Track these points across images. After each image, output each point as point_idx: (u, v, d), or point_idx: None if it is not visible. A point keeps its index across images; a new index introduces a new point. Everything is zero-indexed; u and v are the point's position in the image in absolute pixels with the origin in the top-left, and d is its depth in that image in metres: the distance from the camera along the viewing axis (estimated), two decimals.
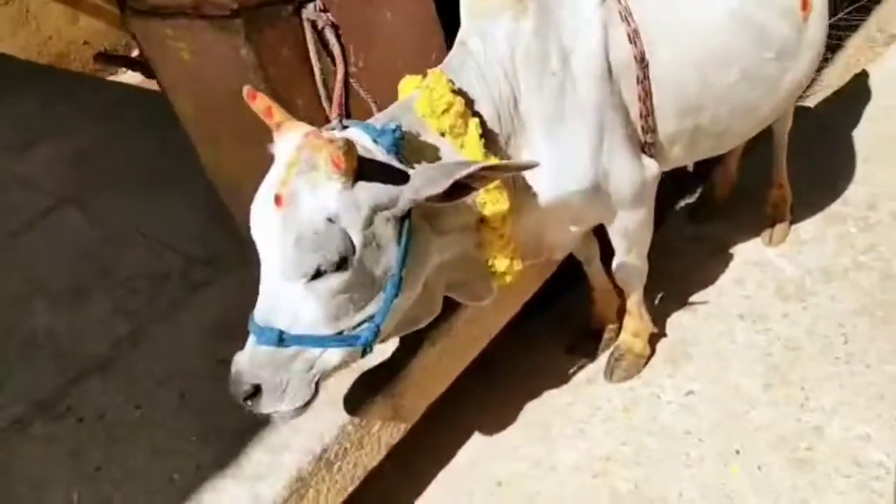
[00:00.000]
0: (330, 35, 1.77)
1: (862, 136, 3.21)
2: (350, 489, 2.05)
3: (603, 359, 2.61)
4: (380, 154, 1.57)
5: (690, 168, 2.89)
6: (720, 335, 2.60)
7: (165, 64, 2.04)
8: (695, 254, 2.93)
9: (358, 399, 2.04)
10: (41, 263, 2.89)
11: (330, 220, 1.46)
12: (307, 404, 1.61)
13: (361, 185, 1.48)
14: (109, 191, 3.18)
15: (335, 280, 1.49)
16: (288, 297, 1.50)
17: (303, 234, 1.45)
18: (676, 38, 1.92)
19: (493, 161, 1.58)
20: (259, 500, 1.88)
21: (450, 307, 2.10)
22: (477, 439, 2.48)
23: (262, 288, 1.54)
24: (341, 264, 1.48)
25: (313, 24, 1.77)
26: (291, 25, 1.83)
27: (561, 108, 1.81)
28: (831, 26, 2.52)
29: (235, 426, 2.06)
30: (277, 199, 1.46)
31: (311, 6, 1.76)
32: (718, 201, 3.04)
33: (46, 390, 2.33)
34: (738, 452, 2.23)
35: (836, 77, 3.71)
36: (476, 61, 1.77)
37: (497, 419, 2.50)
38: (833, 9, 2.86)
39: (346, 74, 1.78)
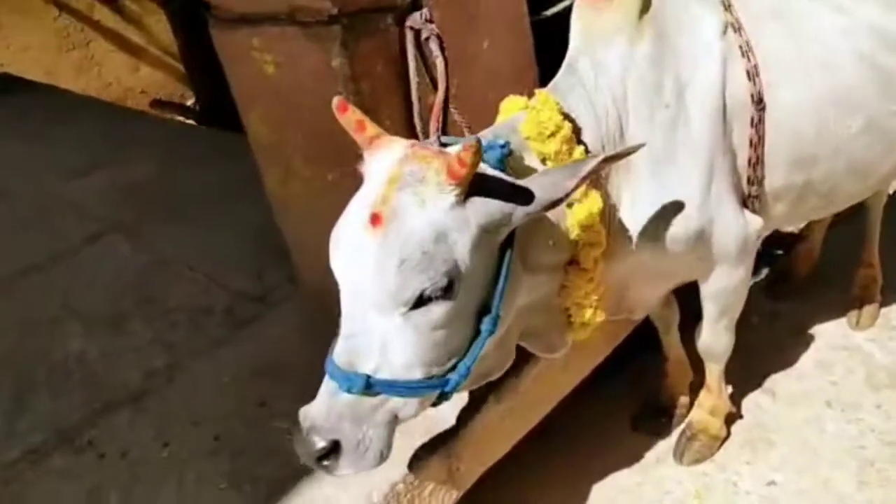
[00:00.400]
0: (434, 47, 1.65)
1: None
2: None
3: (672, 437, 2.37)
4: (487, 170, 1.41)
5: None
6: (805, 422, 2.36)
7: (244, 78, 1.94)
8: (772, 332, 2.71)
9: (414, 456, 1.83)
10: (80, 289, 2.76)
11: (439, 238, 1.29)
12: (382, 462, 1.40)
13: (474, 200, 1.32)
14: (159, 222, 3.08)
15: (438, 310, 1.31)
16: (379, 334, 1.31)
17: (408, 254, 1.27)
18: (798, 79, 1.78)
19: (611, 153, 1.41)
20: None
21: (517, 364, 1.91)
22: None
23: (344, 327, 1.35)
24: (447, 290, 1.31)
25: (416, 35, 1.66)
26: (389, 37, 1.73)
27: (672, 145, 1.67)
28: None
29: (272, 475, 1.87)
30: (375, 219, 1.29)
31: (416, 15, 1.65)
32: (798, 277, 2.83)
33: (70, 420, 2.17)
34: None
35: None
36: (585, 86, 1.64)
37: (557, 497, 2.26)
38: None
39: (448, 88, 1.64)
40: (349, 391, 1.32)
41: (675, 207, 1.70)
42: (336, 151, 1.86)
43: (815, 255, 2.83)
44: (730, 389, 2.39)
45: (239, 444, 1.99)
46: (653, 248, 1.73)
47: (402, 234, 1.28)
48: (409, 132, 1.78)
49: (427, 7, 1.66)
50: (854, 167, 1.91)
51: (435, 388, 1.38)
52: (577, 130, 1.60)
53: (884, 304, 2.68)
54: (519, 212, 1.35)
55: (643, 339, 2.40)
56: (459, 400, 1.94)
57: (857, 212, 2.59)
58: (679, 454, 2.30)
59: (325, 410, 1.34)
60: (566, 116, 1.57)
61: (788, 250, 2.89)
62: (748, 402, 2.45)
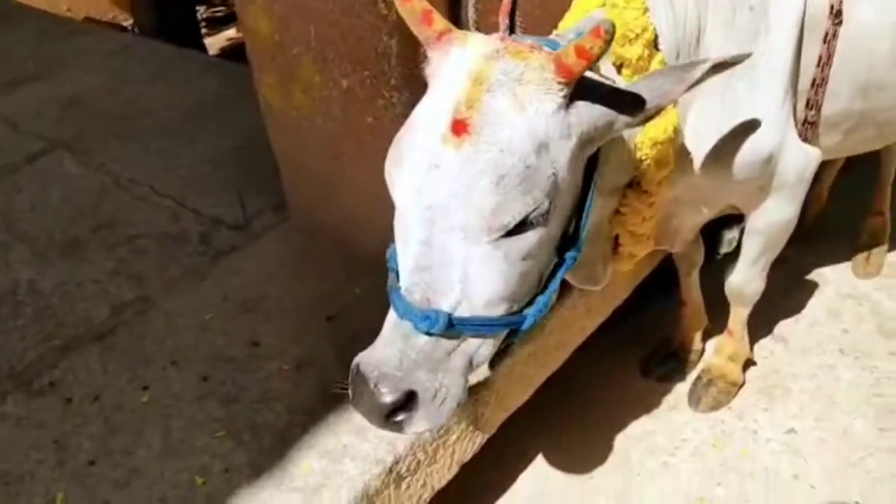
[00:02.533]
0: None
1: None
2: None
3: (685, 384, 2.26)
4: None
5: None
6: (820, 369, 2.27)
7: None
8: (780, 278, 2.60)
9: None
10: (24, 212, 2.41)
11: (541, 148, 1.07)
12: (459, 408, 1.19)
13: (578, 104, 1.11)
14: (110, 139, 2.73)
15: (533, 236, 1.11)
16: (461, 264, 1.10)
17: (509, 168, 1.05)
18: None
19: (721, 59, 1.18)
20: None
21: None
22: (544, 469, 2.08)
23: (415, 257, 1.11)
24: (548, 213, 1.10)
25: None
26: None
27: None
28: None
29: (274, 422, 1.65)
30: (460, 126, 1.06)
31: None
32: (806, 222, 2.73)
33: (25, 360, 1.87)
34: None
35: None
36: None
37: (568, 445, 2.11)
38: None
39: None
40: (429, 332, 1.10)
41: (746, 127, 1.52)
42: (355, 52, 1.61)
43: (823, 199, 2.73)
44: None
45: (231, 387, 1.74)
46: (715, 172, 1.56)
47: (500, 143, 1.05)
48: (458, 25, 1.53)
49: None
50: None
51: (513, 325, 1.18)
52: (655, 33, 1.40)
53: (890, 251, 2.62)
54: (621, 120, 1.14)
55: (651, 285, 2.27)
56: None
57: (867, 160, 2.51)
58: (695, 401, 2.18)
59: (399, 356, 1.12)
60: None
61: None
62: (761, 350, 2.35)
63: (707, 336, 2.32)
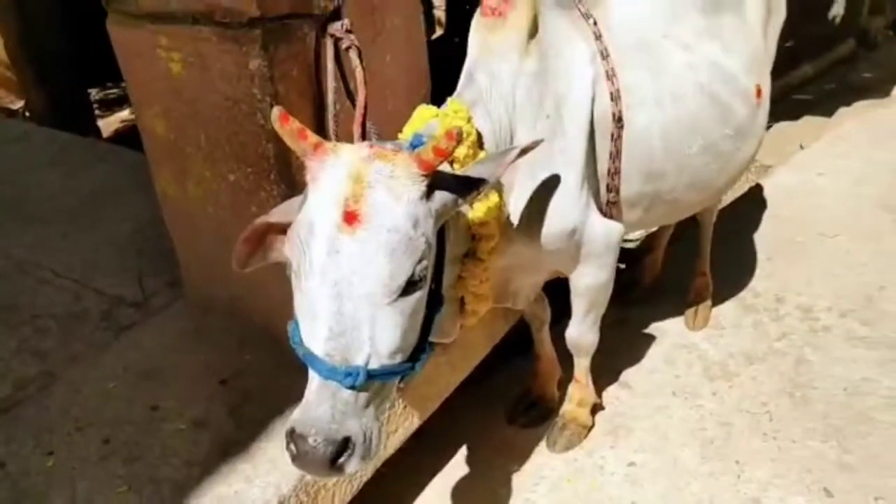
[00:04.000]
0: (354, 56, 1.74)
1: (764, 238, 3.51)
2: None
3: (544, 429, 2.59)
4: None
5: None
6: (657, 410, 2.65)
7: (144, 77, 1.93)
8: (624, 334, 3.02)
9: None
10: None
11: (416, 225, 1.38)
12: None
13: (435, 192, 1.44)
14: (11, 224, 2.89)
15: (419, 293, 1.41)
16: (369, 325, 1.36)
17: (396, 243, 1.35)
18: (651, 105, 2.05)
19: (525, 145, 1.56)
20: None
21: None
22: None
23: (328, 327, 1.35)
24: (424, 277, 1.41)
25: (336, 43, 1.74)
26: (307, 43, 1.80)
27: (550, 151, 1.87)
28: None
29: (173, 476, 1.85)
30: (350, 218, 1.35)
31: (338, 24, 1.73)
32: (644, 286, 3.18)
33: None
34: None
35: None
36: (482, 96, 1.81)
37: (442, 489, 2.38)
38: None
39: (367, 96, 1.74)
40: (353, 386, 1.34)
41: (552, 208, 1.90)
42: (239, 152, 1.90)
43: (657, 266, 3.19)
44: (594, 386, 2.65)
45: (132, 447, 1.94)
46: (534, 243, 1.93)
47: (387, 226, 1.36)
48: (322, 135, 1.86)
49: (347, 18, 1.76)
50: (694, 182, 2.22)
51: (410, 369, 1.46)
52: (479, 135, 1.77)
53: (714, 306, 3.08)
54: (461, 200, 1.49)
55: (514, 344, 2.62)
56: None
57: (692, 229, 3.00)
58: (552, 443, 2.51)
59: (330, 412, 1.34)
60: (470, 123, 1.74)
61: (635, 263, 3.24)
62: (608, 396, 2.71)
63: (562, 385, 2.67)
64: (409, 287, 1.39)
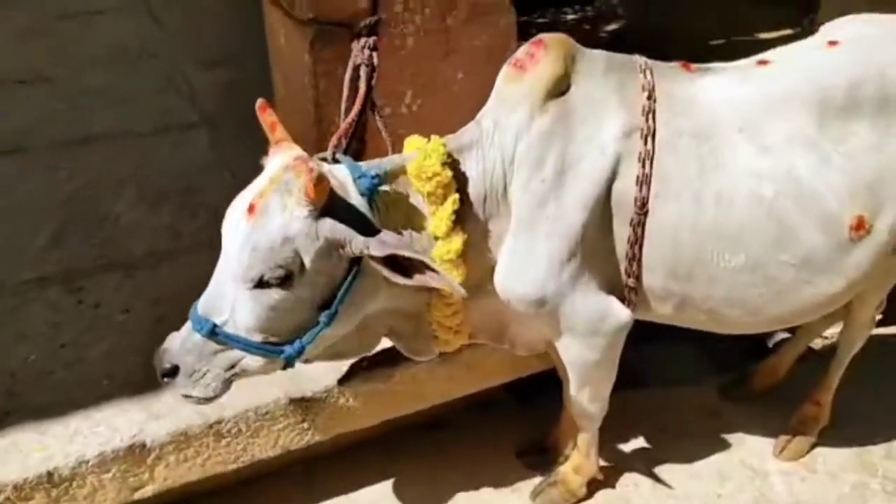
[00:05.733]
0: (362, 73, 1.91)
1: None
2: (231, 466, 2.19)
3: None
4: (353, 194, 1.70)
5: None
6: None
7: (275, 37, 2.32)
8: (703, 427, 2.75)
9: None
10: None
11: (287, 240, 1.59)
12: (215, 398, 1.75)
13: (326, 219, 1.62)
14: None
15: (276, 295, 1.63)
16: (231, 297, 1.65)
17: (260, 245, 1.60)
18: (686, 200, 1.85)
19: (435, 265, 1.64)
20: (145, 433, 2.08)
21: (397, 356, 2.18)
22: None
23: (212, 281, 1.69)
24: (285, 282, 1.62)
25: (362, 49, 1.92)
26: (349, 48, 2.00)
27: (536, 216, 1.83)
28: None
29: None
30: (251, 208, 1.61)
31: (363, 40, 1.91)
32: (753, 389, 2.81)
33: None
34: None
35: None
36: (482, 140, 1.85)
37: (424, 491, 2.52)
38: None
39: (363, 113, 1.90)
40: (198, 332, 1.67)
41: (522, 271, 1.87)
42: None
43: (777, 375, 2.78)
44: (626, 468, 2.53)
45: None
46: (504, 300, 1.92)
47: (261, 227, 1.60)
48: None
49: (375, 36, 1.91)
50: (734, 299, 1.95)
51: (272, 354, 1.70)
52: (462, 178, 1.82)
53: (822, 446, 2.62)
54: (356, 243, 1.62)
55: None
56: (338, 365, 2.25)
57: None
58: (536, 493, 2.46)
59: (179, 342, 1.70)
60: (452, 165, 1.79)
61: (758, 358, 2.86)
62: (629, 478, 2.54)
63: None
64: (264, 285, 1.59)
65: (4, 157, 3.27)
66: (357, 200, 1.70)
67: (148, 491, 2.11)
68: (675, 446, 2.65)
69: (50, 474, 1.98)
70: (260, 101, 1.74)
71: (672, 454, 2.63)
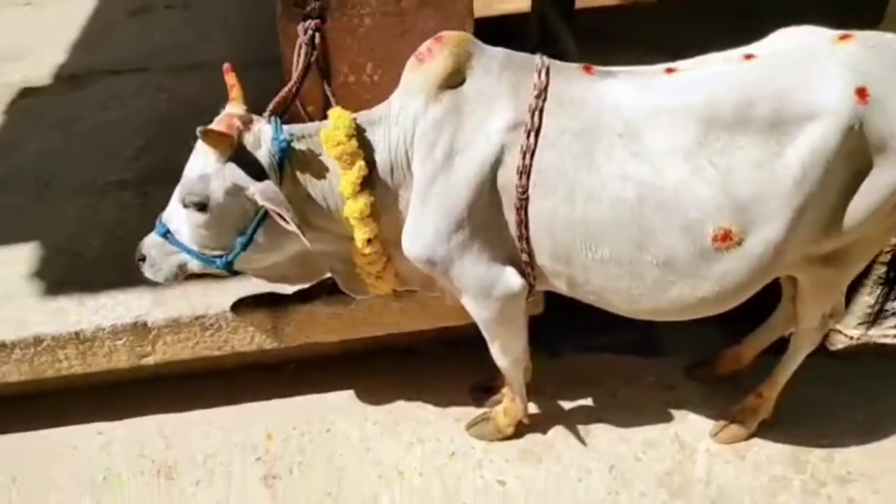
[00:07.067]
0: (302, 52, 2.24)
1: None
2: (216, 353, 2.74)
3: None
4: (265, 149, 2.07)
5: None
6: (579, 469, 2.67)
7: None
8: (654, 397, 2.89)
9: (246, 304, 2.68)
10: None
11: (202, 177, 2.04)
12: (167, 283, 2.28)
13: (230, 165, 2.03)
14: None
15: (196, 216, 2.09)
16: (178, 213, 2.15)
17: (186, 176, 2.08)
18: (560, 196, 2.01)
19: (290, 216, 1.97)
20: (148, 314, 2.68)
21: (357, 286, 2.57)
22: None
23: (173, 198, 2.17)
24: (201, 208, 2.07)
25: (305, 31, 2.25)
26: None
27: (428, 190, 2.09)
28: None
29: None
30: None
31: (308, 22, 2.23)
32: (716, 373, 2.88)
33: None
34: None
35: None
36: (389, 119, 2.13)
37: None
38: None
39: (301, 83, 2.25)
40: (157, 234, 2.20)
41: (416, 235, 2.15)
42: None
43: (740, 362, 2.82)
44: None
45: None
46: (406, 255, 2.23)
47: (191, 163, 2.07)
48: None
49: (320, 19, 2.22)
50: (610, 289, 2.10)
51: (204, 261, 2.18)
52: (370, 148, 2.12)
53: (758, 437, 2.69)
54: (250, 190, 2.01)
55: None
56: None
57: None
58: (471, 423, 2.78)
59: (152, 239, 2.23)
60: (357, 135, 2.09)
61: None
62: (560, 431, 2.79)
63: (531, 392, 2.81)
64: (187, 207, 2.06)
65: (130, 75, 3.97)
66: (264, 156, 2.05)
67: (150, 360, 2.73)
68: (619, 411, 2.83)
69: (77, 334, 2.64)
70: (225, 65, 2.14)
71: (611, 417, 2.82)
